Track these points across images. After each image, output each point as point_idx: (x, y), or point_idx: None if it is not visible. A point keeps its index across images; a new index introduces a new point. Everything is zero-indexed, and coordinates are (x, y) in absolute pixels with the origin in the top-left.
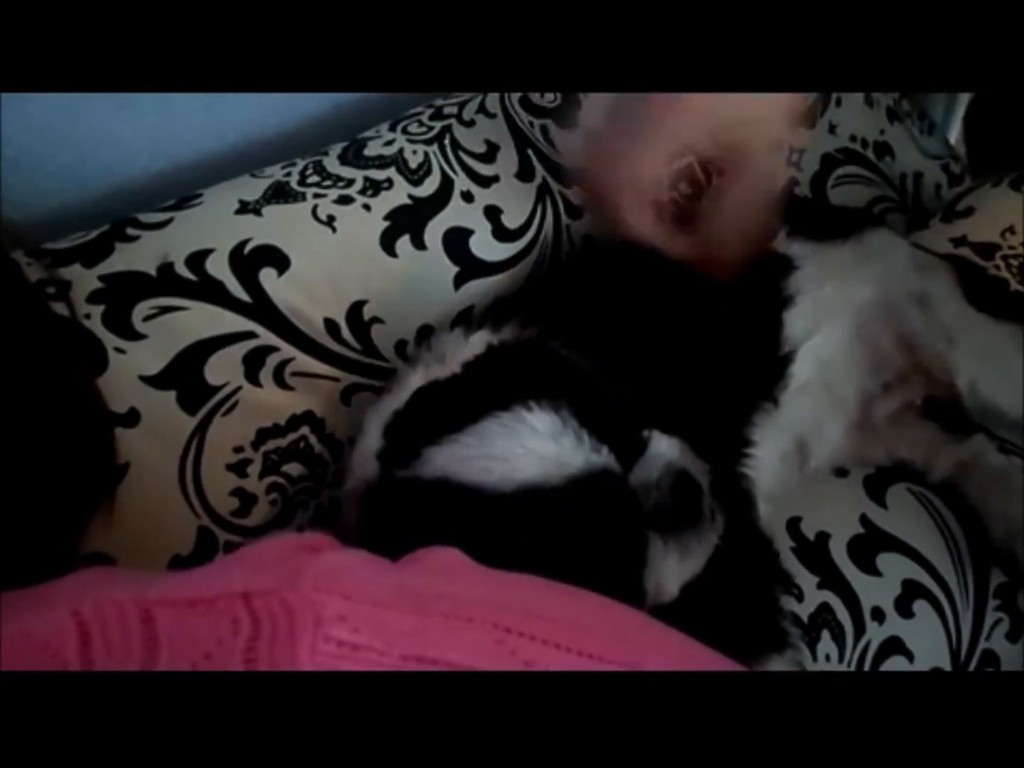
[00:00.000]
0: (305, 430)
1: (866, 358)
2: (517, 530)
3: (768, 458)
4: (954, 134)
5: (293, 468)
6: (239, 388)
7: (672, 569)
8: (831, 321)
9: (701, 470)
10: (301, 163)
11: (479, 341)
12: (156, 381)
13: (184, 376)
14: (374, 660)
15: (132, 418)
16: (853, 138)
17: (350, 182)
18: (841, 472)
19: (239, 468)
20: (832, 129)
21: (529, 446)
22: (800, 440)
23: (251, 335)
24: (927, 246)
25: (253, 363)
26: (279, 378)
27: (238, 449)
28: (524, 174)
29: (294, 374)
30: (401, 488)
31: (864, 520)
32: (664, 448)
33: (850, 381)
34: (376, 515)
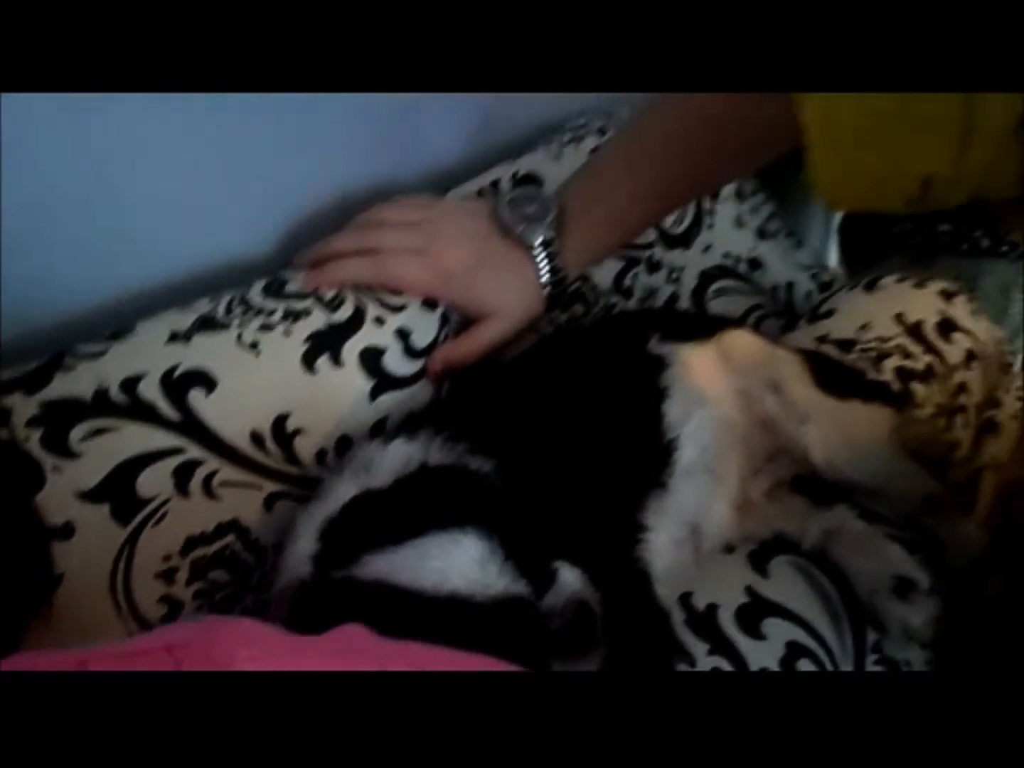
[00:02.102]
0: (230, 538)
1: (737, 442)
2: (440, 628)
3: (662, 542)
4: (833, 247)
5: (219, 575)
6: (168, 499)
7: None
8: (701, 410)
9: (597, 599)
10: (227, 297)
11: (397, 450)
12: (91, 496)
13: (117, 490)
14: None
15: (68, 531)
16: (726, 255)
17: (271, 312)
18: (728, 549)
19: (167, 576)
20: (706, 249)
21: (461, 567)
22: (693, 524)
23: (180, 450)
24: (796, 344)
25: (182, 476)
26: (207, 488)
27: (167, 558)
28: (429, 303)
29: (221, 484)
30: (336, 586)
31: (749, 590)
32: (570, 580)
33: (728, 463)
34: (308, 610)
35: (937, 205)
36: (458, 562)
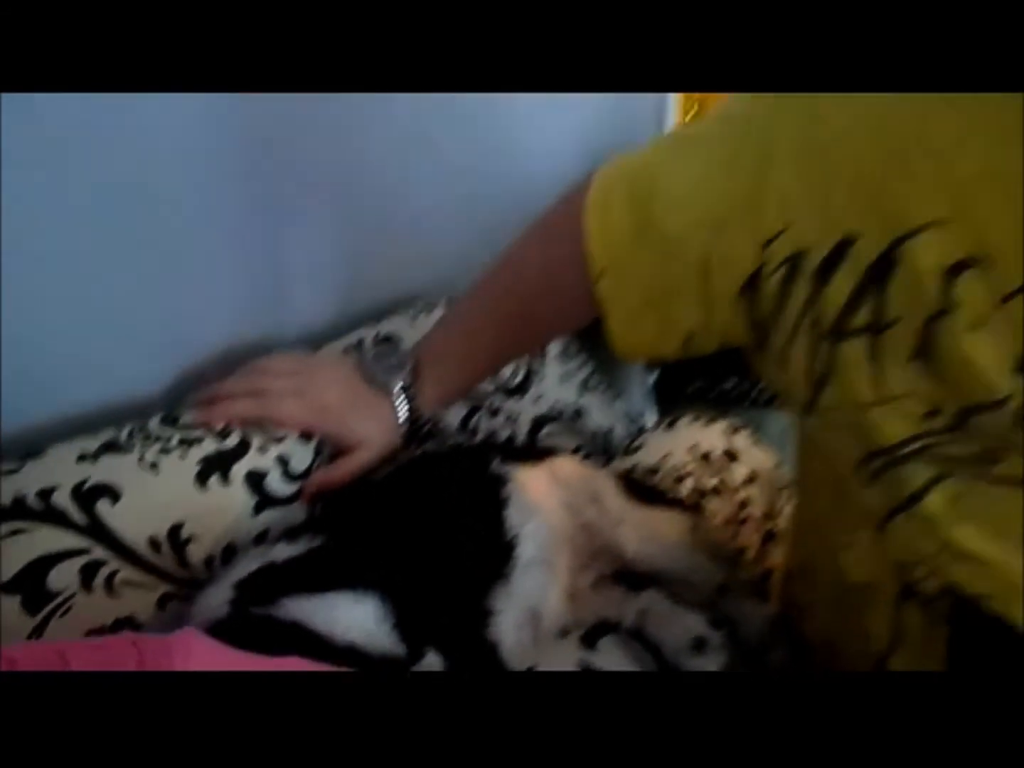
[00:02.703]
0: (126, 632)
1: (566, 542)
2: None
3: (508, 624)
4: (650, 400)
5: None
6: (74, 594)
7: None
8: (535, 517)
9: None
10: (128, 427)
11: (281, 550)
12: (5, 587)
13: (29, 584)
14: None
15: None
16: (554, 405)
17: (169, 438)
18: (563, 633)
19: None
20: (538, 399)
21: (363, 622)
22: (533, 609)
23: (87, 551)
24: (612, 470)
25: (88, 573)
26: (109, 586)
27: None
28: (305, 435)
29: (121, 583)
30: (255, 621)
31: (581, 662)
32: (431, 660)
33: (560, 560)
34: (226, 637)
35: (700, 351)
36: (361, 618)
